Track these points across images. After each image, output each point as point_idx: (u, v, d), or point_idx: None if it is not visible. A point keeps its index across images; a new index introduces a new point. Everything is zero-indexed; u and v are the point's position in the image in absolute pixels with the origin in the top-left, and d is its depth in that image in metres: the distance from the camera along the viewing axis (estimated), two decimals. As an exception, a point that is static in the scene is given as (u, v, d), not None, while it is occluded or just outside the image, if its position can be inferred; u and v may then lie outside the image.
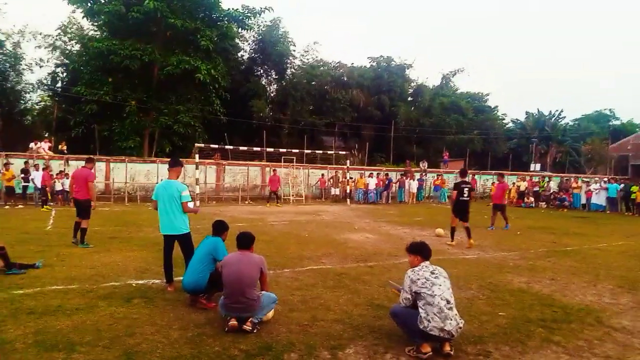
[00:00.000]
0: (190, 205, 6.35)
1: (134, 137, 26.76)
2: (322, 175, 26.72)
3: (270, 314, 5.17)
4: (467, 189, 10.65)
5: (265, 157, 27.85)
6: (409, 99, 44.41)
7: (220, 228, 5.97)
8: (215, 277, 5.49)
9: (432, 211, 21.14)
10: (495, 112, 51.12)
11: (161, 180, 6.80)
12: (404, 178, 26.84)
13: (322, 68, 40.08)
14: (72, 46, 30.63)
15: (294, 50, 38.23)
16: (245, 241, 5.22)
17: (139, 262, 7.94)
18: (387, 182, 25.65)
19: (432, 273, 4.56)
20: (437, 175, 28.40)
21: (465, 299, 6.27)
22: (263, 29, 35.93)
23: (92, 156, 13.34)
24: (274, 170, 23.18)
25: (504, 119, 53.95)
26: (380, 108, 40.79)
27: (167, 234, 6.31)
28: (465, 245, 10.49)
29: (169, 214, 6.24)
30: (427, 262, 4.71)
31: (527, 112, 55.26)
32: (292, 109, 36.35)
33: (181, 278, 5.90)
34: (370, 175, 25.63)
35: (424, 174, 29.16)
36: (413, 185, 26.35)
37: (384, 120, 39.81)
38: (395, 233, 12.82)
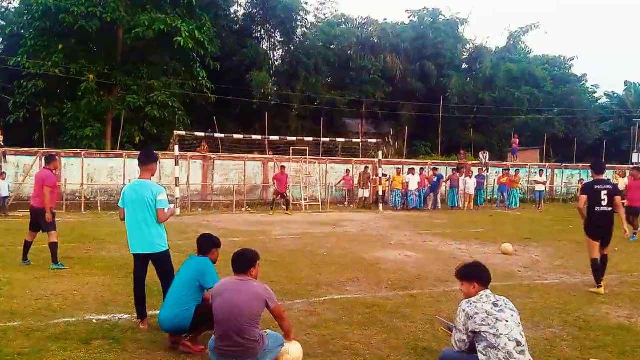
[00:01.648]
0: (167, 211, 6.41)
1: (93, 123, 27.12)
2: (347, 171, 26.73)
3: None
4: (605, 192, 8.69)
5: (267, 148, 27.95)
6: (464, 66, 44.09)
7: (208, 245, 6.01)
8: (204, 312, 5.52)
9: (497, 220, 20.95)
10: (583, 82, 50.53)
11: (129, 180, 6.89)
12: (458, 175, 26.63)
13: (343, 27, 40.13)
14: (9, 3, 31.26)
15: (306, 3, 38.41)
16: (244, 263, 5.19)
17: (101, 291, 8.04)
18: (434, 181, 25.54)
19: (496, 305, 4.52)
20: (503, 170, 28.09)
21: (543, 340, 6.21)
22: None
23: (53, 153, 13.59)
24: (281, 167, 23.25)
25: (594, 92, 53.31)
26: (424, 79, 40.60)
27: (139, 253, 6.38)
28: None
29: (140, 225, 6.30)
30: (488, 291, 4.67)
31: (627, 83, 54.40)
32: (303, 82, 36.44)
33: (157, 312, 5.95)
34: (411, 172, 25.49)
35: (484, 168, 28.91)
36: (470, 185, 26.15)
37: (430, 96, 39.61)
38: (445, 250, 12.73)
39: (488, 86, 41.95)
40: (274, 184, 23.31)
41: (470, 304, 4.58)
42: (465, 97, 40.63)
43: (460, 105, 40.21)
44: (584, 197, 8.83)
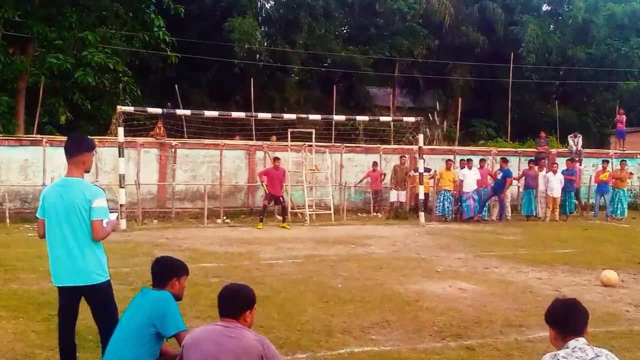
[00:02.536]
0: (107, 223, 6.41)
1: (-1, 95, 27.17)
2: (374, 164, 26.68)
3: None
4: None
5: (254, 131, 27.93)
6: (544, 8, 44.05)
7: (167, 272, 5.93)
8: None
9: (594, 235, 20.80)
10: None
11: (52, 179, 6.89)
12: (536, 169, 26.53)
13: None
14: None
15: None
16: (238, 303, 5.19)
17: (11, 342, 8.03)
18: (498, 179, 25.35)
19: (595, 360, 4.48)
20: (603, 161, 27.98)
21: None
22: None
23: None
24: (274, 158, 23.17)
25: None
26: (485, 28, 40.52)
27: (66, 286, 6.37)
28: None
29: (68, 245, 6.29)
30: (582, 340, 4.64)
31: None
32: (307, 34, 36.42)
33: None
34: (467, 164, 25.39)
35: (576, 159, 28.76)
36: (554, 184, 26.00)
37: (494, 54, 39.53)
38: (518, 280, 12.68)
39: (581, 38, 41.78)
40: (262, 184, 23.27)
41: (558, 359, 4.54)
42: (547, 54, 40.48)
43: (540, 66, 40.05)
44: None
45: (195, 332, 5.23)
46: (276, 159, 22.95)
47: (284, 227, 21.73)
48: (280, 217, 22.84)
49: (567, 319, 4.70)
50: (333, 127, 28.31)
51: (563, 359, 4.51)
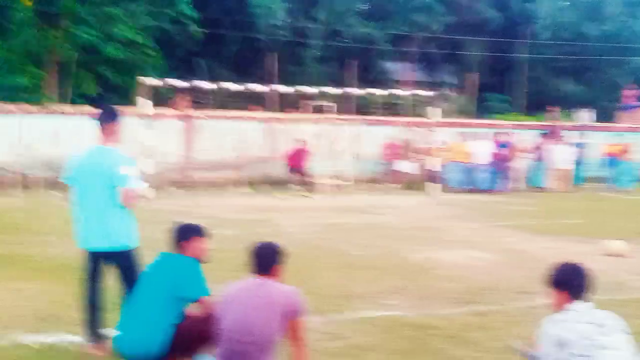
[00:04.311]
0: (136, 192, 6.42)
1: (29, 67, 27.28)
2: (390, 138, 26.64)
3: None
4: None
5: (277, 104, 27.89)
6: (559, -15, 43.50)
7: (188, 235, 5.87)
8: (188, 333, 5.51)
9: (602, 207, 20.76)
10: None
11: (82, 150, 6.83)
12: (547, 142, 26.39)
13: None
14: None
15: None
16: (268, 259, 5.31)
17: (40, 303, 8.10)
18: (509, 151, 25.24)
19: (599, 325, 4.45)
20: (615, 135, 27.77)
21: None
22: None
23: None
24: (301, 141, 23.09)
25: None
26: (500, 4, 40.20)
27: (93, 250, 6.42)
28: None
29: (98, 211, 6.32)
30: (586, 304, 4.61)
31: None
32: (327, 10, 36.27)
33: (116, 333, 5.97)
34: (480, 138, 25.32)
35: (587, 133, 28.57)
36: (565, 156, 25.90)
37: (509, 30, 39.27)
38: (528, 249, 12.66)
39: (594, 14, 41.40)
40: (287, 164, 23.28)
41: (560, 323, 4.51)
42: (561, 30, 40.10)
43: (554, 42, 39.70)
44: None
45: (231, 289, 5.32)
46: (302, 140, 23.08)
47: (307, 197, 21.81)
48: (298, 187, 22.88)
49: (571, 279, 4.68)
50: (352, 101, 28.20)
51: (567, 322, 4.46)
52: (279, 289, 5.14)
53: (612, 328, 4.46)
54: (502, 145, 25.33)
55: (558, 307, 4.67)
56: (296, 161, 22.46)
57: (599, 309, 4.62)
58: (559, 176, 25.89)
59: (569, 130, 28.75)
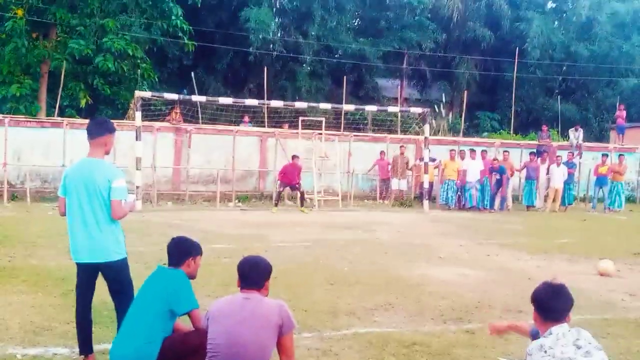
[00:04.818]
0: (126, 204, 6.41)
1: (21, 77, 27.22)
2: (381, 153, 26.72)
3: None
4: None
5: (267, 118, 27.95)
6: (549, 5, 43.83)
7: (182, 251, 5.96)
8: (174, 347, 5.53)
9: (592, 226, 20.79)
10: None
11: (71, 161, 6.87)
12: (538, 161, 26.48)
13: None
14: None
15: None
16: (256, 273, 5.27)
17: (30, 315, 8.07)
18: (497, 178, 25.17)
19: (578, 347, 4.46)
20: (603, 155, 27.90)
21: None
22: None
23: None
24: (293, 156, 23.05)
25: None
26: (491, 24, 40.39)
27: (85, 263, 6.38)
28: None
29: (88, 224, 6.30)
30: (565, 326, 4.62)
31: None
32: (319, 25, 36.40)
33: (108, 347, 5.95)
34: (472, 155, 25.40)
35: (576, 153, 28.68)
36: (556, 175, 25.97)
37: (500, 49, 39.41)
38: (517, 268, 12.68)
39: (584, 35, 41.64)
40: (278, 182, 23.20)
41: (543, 347, 4.50)
42: (551, 50, 40.35)
43: (544, 62, 39.92)
44: None
45: (218, 304, 5.28)
46: (295, 157, 22.97)
47: (303, 212, 21.88)
48: (290, 202, 22.87)
49: (550, 304, 4.69)
50: (342, 117, 28.28)
51: (550, 349, 4.50)
52: (268, 303, 5.13)
53: (589, 346, 4.47)
54: (499, 170, 25.10)
55: (536, 324, 4.76)
56: (289, 176, 22.40)
57: (578, 329, 4.63)
58: (550, 195, 25.98)
59: (559, 149, 28.85)
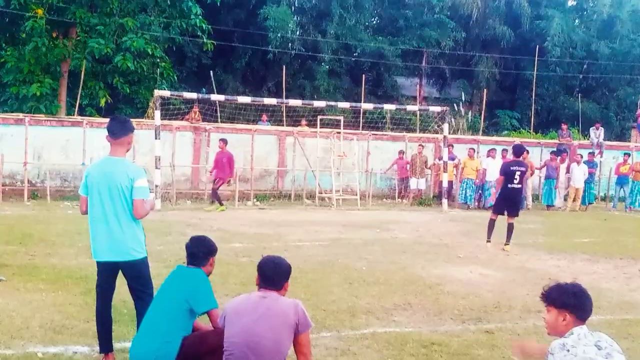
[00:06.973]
0: (147, 204, 6.48)
1: (42, 76, 27.38)
2: (400, 152, 26.67)
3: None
4: None
5: (285, 116, 27.97)
6: (570, 3, 43.51)
7: (201, 251, 6.04)
8: (194, 346, 5.57)
9: (613, 226, 20.67)
10: None
11: (91, 159, 6.92)
12: (558, 160, 26.34)
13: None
14: None
15: None
16: (276, 274, 5.28)
17: (50, 313, 8.12)
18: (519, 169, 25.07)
19: (599, 348, 4.44)
20: (625, 154, 27.69)
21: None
22: None
23: None
24: (221, 140, 21.62)
25: None
26: (511, 22, 40.19)
27: (106, 261, 6.44)
28: None
29: (110, 223, 6.35)
30: (585, 327, 4.58)
31: None
32: (338, 24, 36.35)
33: (128, 345, 5.99)
34: (491, 154, 25.29)
35: (597, 152, 28.50)
36: (577, 175, 25.81)
37: (520, 47, 39.20)
38: (538, 268, 12.64)
39: (604, 33, 41.32)
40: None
41: (565, 346, 4.50)
42: (572, 48, 40.08)
43: (564, 60, 39.67)
44: None
45: (235, 303, 5.31)
46: (222, 140, 21.77)
47: (209, 211, 20.85)
48: (308, 201, 22.87)
49: (576, 303, 4.65)
50: (361, 115, 28.24)
51: (573, 348, 4.47)
52: (284, 302, 5.15)
53: (610, 348, 4.44)
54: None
55: (556, 330, 4.69)
56: (221, 169, 21.07)
57: (597, 332, 4.61)
58: (570, 194, 25.84)
59: (579, 148, 28.70)
